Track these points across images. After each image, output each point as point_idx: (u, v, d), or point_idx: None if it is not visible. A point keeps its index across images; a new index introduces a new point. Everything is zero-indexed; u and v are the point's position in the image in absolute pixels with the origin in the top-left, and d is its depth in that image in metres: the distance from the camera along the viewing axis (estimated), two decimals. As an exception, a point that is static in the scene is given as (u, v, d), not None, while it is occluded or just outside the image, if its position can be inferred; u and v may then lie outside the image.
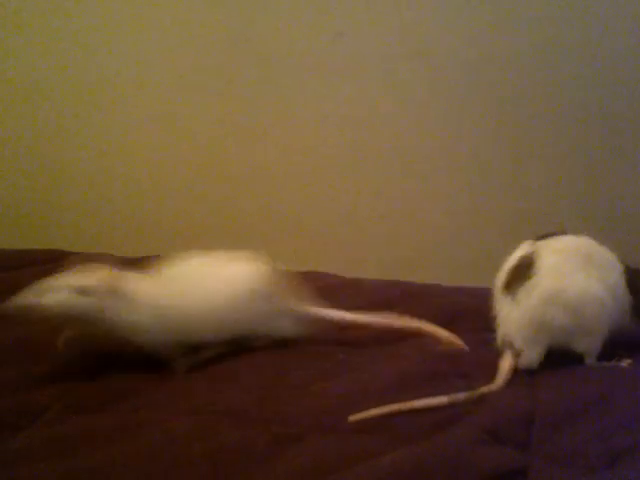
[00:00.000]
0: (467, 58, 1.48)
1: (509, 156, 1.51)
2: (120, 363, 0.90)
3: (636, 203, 1.47)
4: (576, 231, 0.94)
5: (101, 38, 1.64)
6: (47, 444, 0.73)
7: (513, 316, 0.87)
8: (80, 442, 0.73)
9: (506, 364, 0.85)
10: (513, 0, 1.43)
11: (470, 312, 1.05)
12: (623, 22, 1.38)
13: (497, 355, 0.87)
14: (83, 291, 0.84)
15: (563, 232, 0.93)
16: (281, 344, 0.96)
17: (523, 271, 0.88)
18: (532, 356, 0.86)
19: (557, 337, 0.86)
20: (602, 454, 0.66)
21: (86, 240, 1.70)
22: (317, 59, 1.55)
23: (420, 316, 1.03)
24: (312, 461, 0.69)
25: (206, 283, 0.93)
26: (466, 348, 0.94)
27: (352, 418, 0.75)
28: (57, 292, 0.84)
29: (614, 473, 0.65)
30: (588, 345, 0.87)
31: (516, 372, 0.85)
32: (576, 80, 1.43)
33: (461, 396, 0.78)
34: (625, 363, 0.87)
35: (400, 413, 0.76)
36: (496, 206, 1.53)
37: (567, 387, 0.79)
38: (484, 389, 0.80)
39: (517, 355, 0.86)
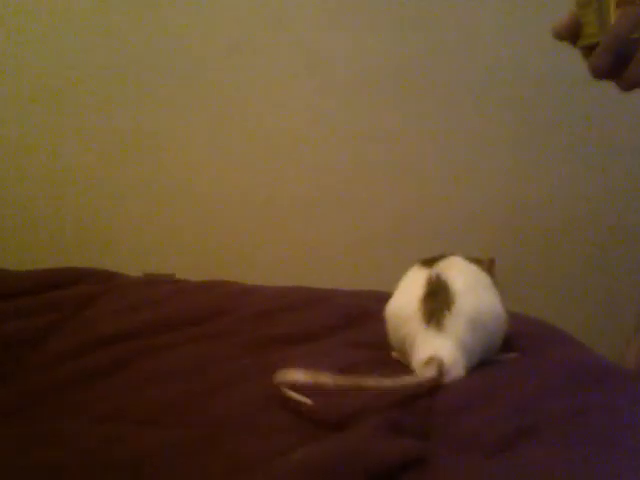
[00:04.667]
0: (467, 59, 1.50)
1: (509, 158, 1.54)
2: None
3: (635, 204, 1.52)
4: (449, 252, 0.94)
5: (101, 39, 1.62)
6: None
7: (440, 342, 0.85)
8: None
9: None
10: (514, 4, 1.46)
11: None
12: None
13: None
14: None
15: (443, 255, 0.93)
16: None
17: (441, 297, 0.86)
18: (460, 372, 0.85)
19: (478, 355, 0.88)
20: (495, 440, 0.70)
21: (87, 241, 1.68)
22: (312, 62, 1.55)
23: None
24: (229, 460, 0.71)
25: None
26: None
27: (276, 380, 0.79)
28: None
29: (508, 457, 0.69)
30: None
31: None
32: (575, 81, 1.44)
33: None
34: (512, 355, 0.91)
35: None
36: (496, 208, 1.56)
37: (461, 380, 0.84)
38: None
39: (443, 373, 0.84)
